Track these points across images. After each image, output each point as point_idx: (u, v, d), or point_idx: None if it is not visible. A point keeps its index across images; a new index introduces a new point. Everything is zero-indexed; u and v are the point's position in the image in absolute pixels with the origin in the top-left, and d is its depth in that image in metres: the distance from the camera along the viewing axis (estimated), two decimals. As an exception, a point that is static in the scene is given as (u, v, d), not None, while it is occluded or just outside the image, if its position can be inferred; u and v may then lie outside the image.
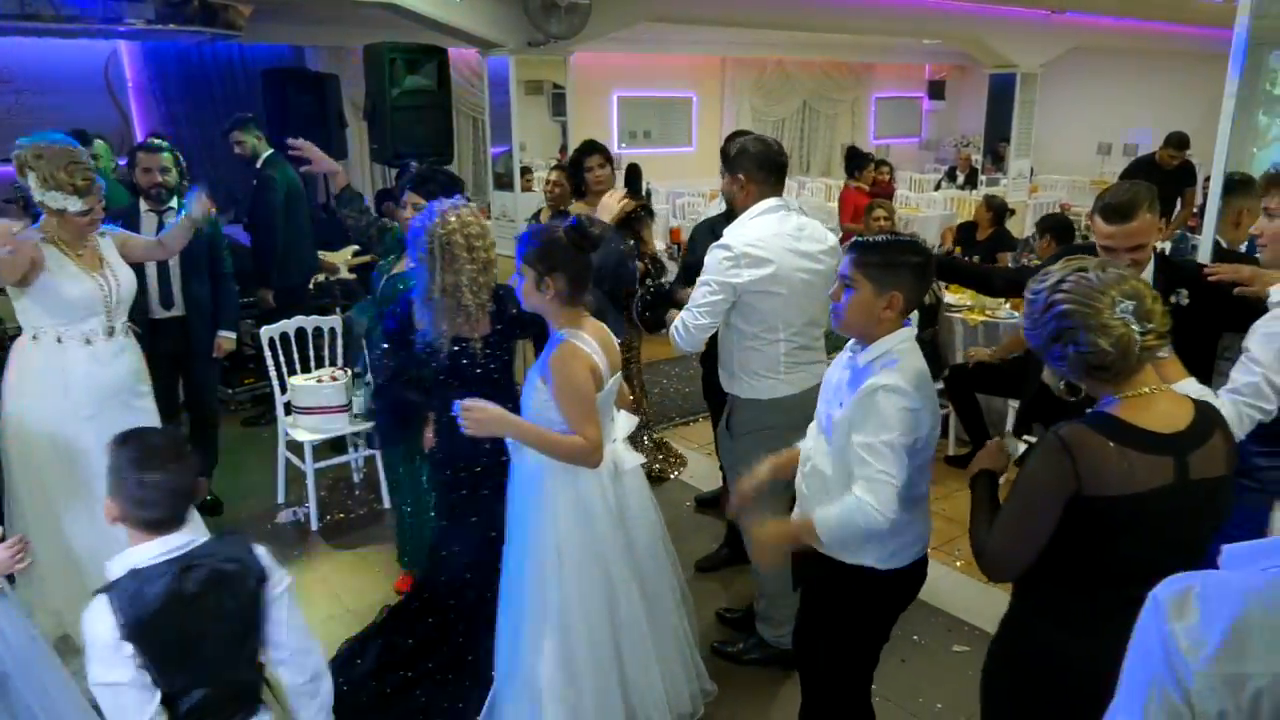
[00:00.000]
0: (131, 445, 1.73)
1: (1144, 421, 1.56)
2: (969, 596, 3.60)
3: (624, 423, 2.62)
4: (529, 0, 6.00)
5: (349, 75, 8.43)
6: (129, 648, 1.63)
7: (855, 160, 7.88)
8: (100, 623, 1.64)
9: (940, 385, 4.90)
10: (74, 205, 2.88)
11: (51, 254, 2.93)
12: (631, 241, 4.31)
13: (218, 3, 6.24)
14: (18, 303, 2.95)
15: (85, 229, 2.98)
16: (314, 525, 4.31)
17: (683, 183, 11.25)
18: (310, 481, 4.27)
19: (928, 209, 10.52)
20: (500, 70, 6.79)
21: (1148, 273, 2.52)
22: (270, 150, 5.19)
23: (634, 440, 4.70)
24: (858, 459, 1.97)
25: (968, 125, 14.17)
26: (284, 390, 4.43)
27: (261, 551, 1.85)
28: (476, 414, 2.30)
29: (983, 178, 10.85)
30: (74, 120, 7.88)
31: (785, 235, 2.82)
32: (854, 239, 2.13)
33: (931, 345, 4.94)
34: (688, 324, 2.83)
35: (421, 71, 5.62)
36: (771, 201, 2.87)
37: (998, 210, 6.77)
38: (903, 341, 2.03)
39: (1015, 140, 10.37)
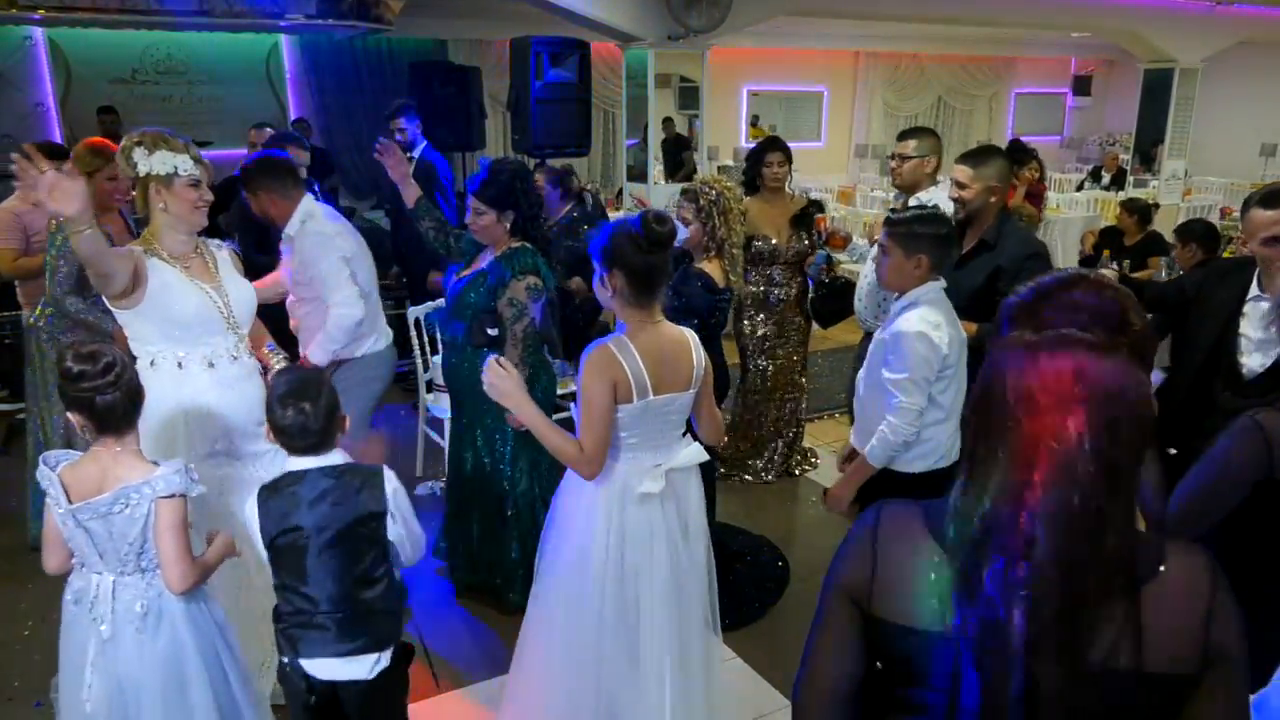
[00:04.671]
0: (280, 381, 2.08)
1: None
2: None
3: (688, 454, 2.37)
4: (670, -6, 6.07)
5: (489, 67, 8.71)
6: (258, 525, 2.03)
7: (1016, 155, 7.52)
8: (249, 506, 2.06)
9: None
10: (185, 165, 2.58)
11: (155, 265, 2.58)
12: (806, 239, 4.47)
13: (371, -3, 6.55)
14: (129, 326, 2.62)
15: (197, 208, 2.63)
16: (450, 499, 4.49)
17: (811, 178, 11.14)
18: (448, 457, 4.45)
19: (1069, 210, 10.04)
20: (635, 63, 6.88)
21: None
22: (425, 141, 5.42)
23: (764, 446, 4.76)
24: (886, 390, 2.55)
25: (1115, 123, 13.50)
26: (426, 368, 4.64)
27: (391, 489, 2.09)
28: (500, 377, 2.25)
29: (1131, 178, 10.31)
30: (237, 108, 8.44)
31: None
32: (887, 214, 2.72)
33: None
34: None
35: (564, 65, 5.75)
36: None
37: (1142, 213, 6.42)
38: (928, 291, 2.54)
39: (1170, 140, 9.80)
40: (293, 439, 2.02)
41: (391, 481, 2.09)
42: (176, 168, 2.57)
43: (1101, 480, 0.94)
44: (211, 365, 2.66)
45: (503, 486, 3.32)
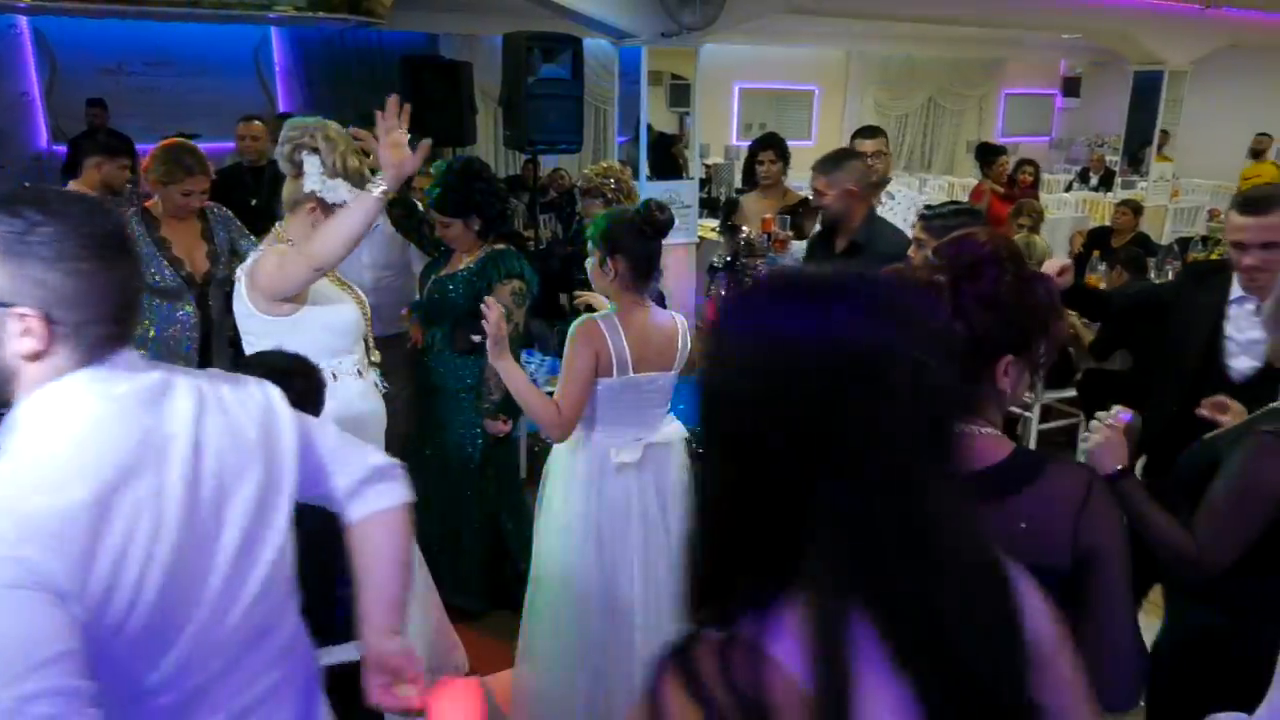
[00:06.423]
0: (257, 364, 2.03)
1: None
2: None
3: (668, 431, 2.52)
4: (664, -10, 6.04)
5: (480, 62, 8.66)
6: None
7: (986, 155, 7.57)
8: None
9: (1072, 392, 4.73)
10: (350, 191, 2.31)
11: None
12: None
13: (362, -9, 6.50)
14: (279, 339, 2.27)
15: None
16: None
17: (802, 177, 11.14)
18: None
19: (1058, 210, 10.09)
20: (629, 60, 6.86)
21: None
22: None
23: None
24: None
25: (1103, 124, 13.53)
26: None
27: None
28: (495, 325, 2.25)
29: (1119, 180, 10.36)
30: (226, 101, 8.36)
31: None
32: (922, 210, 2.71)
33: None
34: None
35: (557, 60, 5.72)
36: None
37: (1137, 213, 6.52)
38: None
39: (1158, 141, 9.86)
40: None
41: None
42: (345, 202, 2.27)
43: None
44: (360, 374, 2.49)
45: (469, 491, 3.21)
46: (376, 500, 1.42)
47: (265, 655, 1.27)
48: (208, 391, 1.22)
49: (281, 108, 9.06)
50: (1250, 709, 1.52)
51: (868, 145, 3.93)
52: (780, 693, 0.70)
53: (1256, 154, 9.79)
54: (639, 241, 2.34)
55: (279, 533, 1.24)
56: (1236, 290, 2.50)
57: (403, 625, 1.39)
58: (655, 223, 2.33)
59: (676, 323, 2.48)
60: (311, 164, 2.29)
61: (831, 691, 0.70)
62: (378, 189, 2.16)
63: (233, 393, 1.26)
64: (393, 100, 2.16)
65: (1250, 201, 2.36)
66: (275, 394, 1.32)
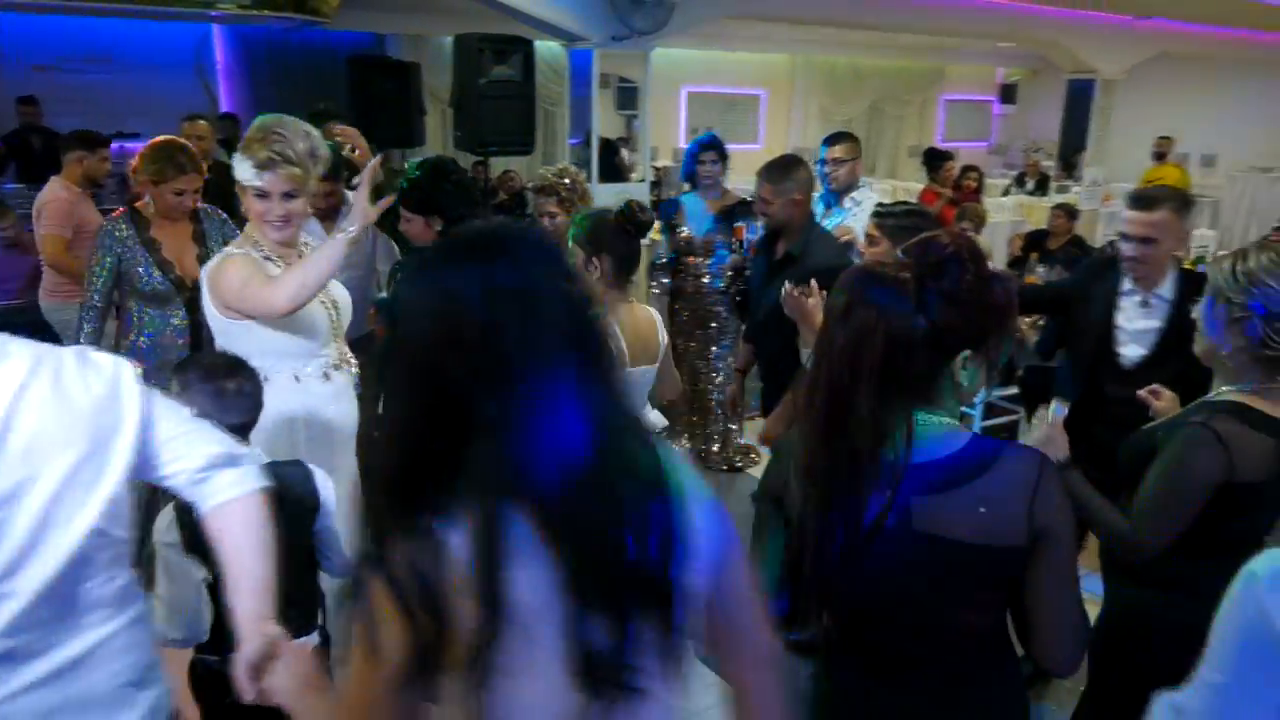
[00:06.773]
0: (194, 365, 1.95)
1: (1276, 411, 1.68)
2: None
3: (649, 420, 2.56)
4: (614, -6, 6.09)
5: (428, 63, 8.60)
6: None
7: (933, 160, 7.75)
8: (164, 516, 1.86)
9: (1014, 389, 4.88)
10: (244, 172, 2.24)
11: (267, 268, 2.31)
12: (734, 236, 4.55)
13: (308, -10, 6.43)
14: (238, 340, 2.26)
15: (265, 221, 2.31)
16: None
17: (749, 180, 11.26)
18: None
19: (996, 214, 10.34)
20: (579, 63, 6.90)
21: (1168, 287, 2.60)
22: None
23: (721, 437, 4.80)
24: None
25: (1039, 130, 13.92)
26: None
27: (323, 480, 1.98)
28: None
29: (1054, 185, 10.68)
30: (166, 99, 8.19)
31: None
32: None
33: None
34: None
35: (508, 62, 5.73)
36: None
37: (1072, 217, 6.76)
38: None
39: (1091, 147, 10.19)
40: (235, 414, 1.89)
41: (322, 475, 2.00)
42: (240, 180, 2.28)
43: (846, 370, 1.24)
44: (327, 377, 2.43)
45: None
46: (229, 489, 1.42)
47: (88, 616, 1.30)
48: (46, 364, 1.24)
49: (224, 107, 8.88)
50: (1181, 679, 1.61)
51: (834, 151, 3.97)
52: (447, 575, 0.90)
53: (1159, 156, 10.15)
54: (622, 240, 2.43)
55: (99, 507, 1.25)
56: (1126, 283, 2.65)
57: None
58: (637, 222, 2.44)
59: (654, 316, 2.56)
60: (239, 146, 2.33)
61: (484, 572, 0.89)
62: (345, 234, 2.25)
63: (77, 367, 1.28)
64: (376, 160, 2.41)
65: (1139, 198, 2.55)
66: (127, 372, 1.33)
